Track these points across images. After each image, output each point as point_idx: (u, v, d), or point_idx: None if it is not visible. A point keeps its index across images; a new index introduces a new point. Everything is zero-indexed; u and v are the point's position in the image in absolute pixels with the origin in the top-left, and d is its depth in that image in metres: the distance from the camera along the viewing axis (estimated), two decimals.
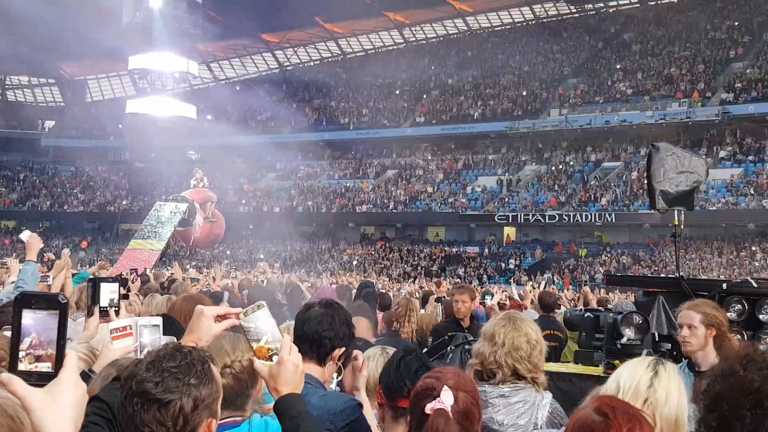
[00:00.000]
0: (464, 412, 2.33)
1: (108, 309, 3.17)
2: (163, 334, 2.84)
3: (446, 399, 2.26)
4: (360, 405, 3.01)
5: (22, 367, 1.55)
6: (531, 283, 31.98)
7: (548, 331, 7.00)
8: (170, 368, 1.84)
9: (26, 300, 1.59)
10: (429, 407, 2.24)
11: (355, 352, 3.22)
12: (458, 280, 36.14)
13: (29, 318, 1.57)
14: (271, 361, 2.23)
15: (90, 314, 3.27)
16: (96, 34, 48.38)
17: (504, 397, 3.09)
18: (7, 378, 1.51)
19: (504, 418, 3.06)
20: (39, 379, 1.54)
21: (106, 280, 3.39)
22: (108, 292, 3.22)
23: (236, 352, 2.55)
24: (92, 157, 62.36)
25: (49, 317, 1.57)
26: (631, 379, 2.62)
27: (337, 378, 3.18)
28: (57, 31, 48.67)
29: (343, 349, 3.06)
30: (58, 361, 1.56)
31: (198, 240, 35.96)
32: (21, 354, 1.56)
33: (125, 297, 3.54)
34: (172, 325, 3.70)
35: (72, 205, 59.30)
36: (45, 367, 1.56)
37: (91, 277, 4.16)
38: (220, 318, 2.41)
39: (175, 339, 2.37)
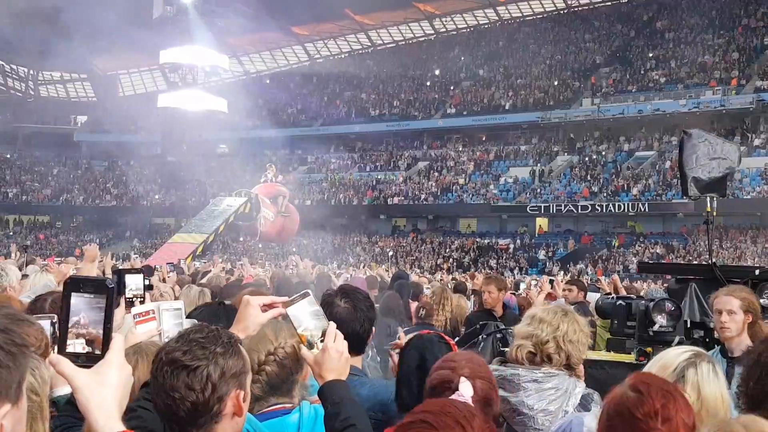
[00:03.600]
0: (484, 399, 2.38)
1: (133, 300, 3.18)
2: (225, 323, 2.89)
3: (466, 391, 2.28)
4: None
5: (70, 348, 1.61)
6: (563, 273, 31.88)
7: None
8: (197, 338, 1.92)
9: (75, 283, 1.64)
10: None
11: (399, 332, 3.25)
12: (490, 271, 36.06)
13: (77, 301, 1.63)
14: (317, 348, 2.28)
15: (116, 305, 3.31)
16: (127, 28, 48.85)
17: (537, 382, 3.05)
18: (55, 359, 1.58)
19: (534, 403, 3.03)
20: (86, 361, 1.61)
21: (130, 271, 3.40)
22: (133, 284, 3.24)
23: (279, 339, 2.59)
24: (124, 152, 62.94)
25: (96, 301, 1.63)
26: (668, 365, 2.60)
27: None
28: (89, 26, 49.18)
29: (374, 330, 3.12)
30: (105, 343, 1.63)
31: (269, 234, 36.32)
32: (69, 335, 1.62)
33: (150, 288, 3.58)
34: (232, 313, 3.75)
35: (105, 200, 59.94)
36: (92, 348, 1.63)
37: (118, 269, 4.21)
38: (267, 307, 2.46)
39: (196, 321, 2.41)
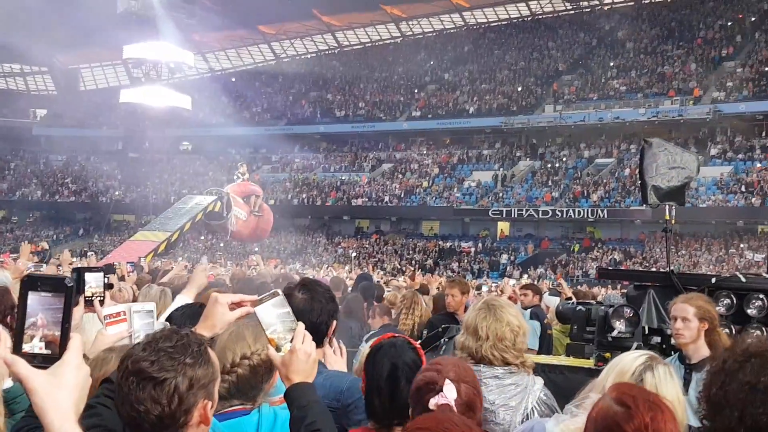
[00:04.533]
0: (467, 403, 2.38)
1: (92, 298, 3.11)
2: (188, 323, 2.87)
3: (449, 393, 2.29)
4: None
5: (26, 348, 1.57)
6: (526, 277, 32.18)
7: None
8: (166, 348, 1.86)
9: (32, 282, 1.60)
10: (433, 402, 2.26)
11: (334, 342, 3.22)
12: (451, 273, 36.25)
13: (35, 300, 1.59)
14: (284, 349, 2.24)
15: (74, 304, 3.28)
16: (90, 22, 48.11)
17: (497, 378, 3.13)
18: (11, 359, 1.54)
19: (495, 398, 3.09)
20: (42, 361, 1.56)
21: (90, 269, 3.34)
22: (93, 282, 3.17)
23: (257, 344, 2.56)
24: (85, 147, 62.01)
25: (54, 300, 1.59)
26: (625, 371, 2.65)
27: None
28: (50, 20, 48.38)
29: (335, 323, 3.08)
30: (62, 343, 1.58)
31: (242, 233, 35.99)
32: (25, 335, 1.58)
33: (110, 287, 3.53)
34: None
35: (63, 195, 58.88)
36: (49, 349, 1.58)
37: (76, 267, 4.12)
38: (235, 305, 2.41)
39: (168, 325, 2.41)
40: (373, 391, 2.70)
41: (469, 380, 2.45)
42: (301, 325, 2.27)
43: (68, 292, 1.60)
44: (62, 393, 1.53)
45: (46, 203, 58.61)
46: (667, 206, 6.28)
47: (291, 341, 2.24)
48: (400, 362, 2.73)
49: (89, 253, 27.72)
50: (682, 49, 50.69)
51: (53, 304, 1.59)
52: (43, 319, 1.58)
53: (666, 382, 2.60)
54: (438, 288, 12.24)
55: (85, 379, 1.60)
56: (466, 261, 43.34)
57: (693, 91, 45.76)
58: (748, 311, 5.22)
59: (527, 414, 3.15)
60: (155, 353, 1.85)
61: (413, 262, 42.96)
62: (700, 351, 4.18)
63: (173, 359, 1.85)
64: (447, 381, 2.33)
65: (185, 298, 4.87)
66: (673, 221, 6.25)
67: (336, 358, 3.18)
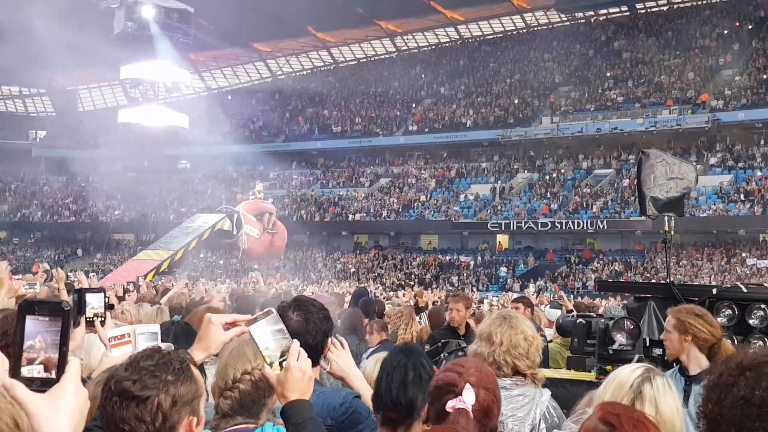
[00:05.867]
0: (485, 410, 2.35)
1: (93, 319, 3.10)
2: (182, 342, 2.86)
3: (468, 398, 2.27)
4: (358, 396, 3.03)
5: (24, 372, 1.56)
6: (534, 288, 32.21)
7: None
8: (147, 366, 1.87)
9: (29, 306, 1.59)
10: (450, 405, 2.25)
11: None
12: (451, 287, 36.19)
13: (32, 324, 1.58)
14: (279, 367, 2.25)
15: (76, 325, 3.28)
16: (88, 44, 48.33)
17: (505, 389, 3.13)
18: (9, 383, 1.52)
19: (503, 409, 3.12)
20: (41, 385, 1.55)
21: (91, 290, 3.32)
22: (93, 302, 3.15)
23: (258, 360, 2.53)
24: (84, 168, 62.17)
25: (51, 324, 1.58)
26: (623, 383, 2.63)
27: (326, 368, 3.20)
28: (48, 41, 48.56)
29: (330, 340, 3.05)
30: (60, 367, 1.57)
31: (255, 251, 35.99)
32: (23, 359, 1.57)
33: (111, 307, 3.51)
34: (191, 332, 3.74)
35: (63, 216, 59.09)
36: (47, 373, 1.57)
37: (78, 288, 4.12)
38: (229, 325, 2.43)
39: (172, 346, 2.39)
40: (382, 379, 2.68)
41: (490, 386, 2.43)
42: (296, 343, 2.28)
43: (65, 315, 1.59)
44: (60, 417, 1.52)
45: (47, 224, 58.80)
46: (666, 217, 6.25)
47: (286, 359, 2.24)
48: (414, 355, 2.73)
49: (90, 274, 27.69)
50: (679, 59, 50.84)
51: (51, 327, 1.58)
52: (41, 342, 1.57)
53: (665, 394, 2.58)
54: (436, 302, 12.20)
55: (84, 403, 1.59)
56: (465, 274, 43.29)
57: (705, 96, 45.68)
58: (750, 322, 5.19)
59: (535, 425, 3.18)
60: (137, 372, 1.86)
61: (412, 276, 42.90)
62: (695, 363, 4.13)
63: (155, 377, 1.85)
64: (467, 386, 2.31)
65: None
66: (672, 232, 6.22)
67: (339, 352, 3.13)
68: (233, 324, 2.43)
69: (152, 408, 1.82)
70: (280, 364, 2.25)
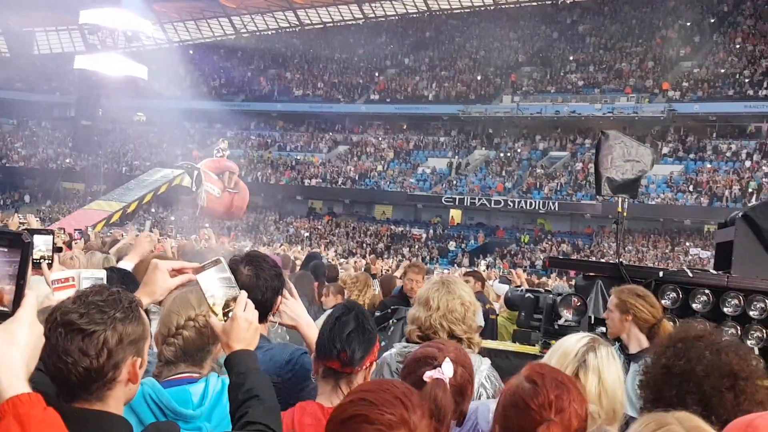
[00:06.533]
0: (460, 386, 2.40)
1: (40, 261, 3.03)
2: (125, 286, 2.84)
3: (447, 370, 2.29)
4: (305, 352, 3.02)
5: None
6: (485, 264, 32.52)
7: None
8: (96, 301, 1.86)
9: None
10: (428, 375, 2.26)
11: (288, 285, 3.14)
12: (402, 258, 36.37)
13: None
14: (225, 317, 2.21)
15: None
16: None
17: None
18: None
19: None
20: None
21: (39, 231, 3.28)
22: (41, 245, 3.10)
23: (202, 306, 2.49)
24: (36, 112, 60.66)
25: (10, 254, 1.54)
26: (568, 352, 2.67)
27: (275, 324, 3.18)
28: None
29: (280, 299, 3.03)
30: (16, 300, 1.54)
31: (215, 210, 35.37)
32: None
33: (59, 250, 3.46)
34: (133, 281, 3.69)
35: (12, 160, 57.55)
36: (1, 306, 1.54)
37: (26, 228, 4.02)
38: (176, 272, 2.40)
39: None
40: (325, 330, 2.66)
41: (467, 366, 2.48)
42: (243, 293, 2.25)
43: (25, 247, 1.55)
44: (13, 350, 1.49)
45: None
46: (619, 198, 6.36)
47: (232, 309, 2.21)
48: (357, 309, 2.72)
49: (36, 220, 27.09)
50: (641, 47, 51.36)
51: (8, 258, 1.54)
52: None
53: (608, 363, 2.62)
54: (387, 271, 12.29)
55: (38, 338, 1.56)
56: (416, 247, 43.50)
57: (662, 84, 46.25)
58: (693, 305, 5.31)
59: (473, 394, 3.17)
60: (85, 306, 1.84)
61: (364, 245, 42.99)
62: (634, 342, 4.18)
63: (103, 312, 1.84)
64: (447, 359, 2.34)
65: (128, 264, 4.79)
66: (625, 214, 6.34)
67: (289, 302, 3.10)
68: (180, 271, 2.40)
69: (98, 342, 1.80)
70: (226, 314, 2.21)
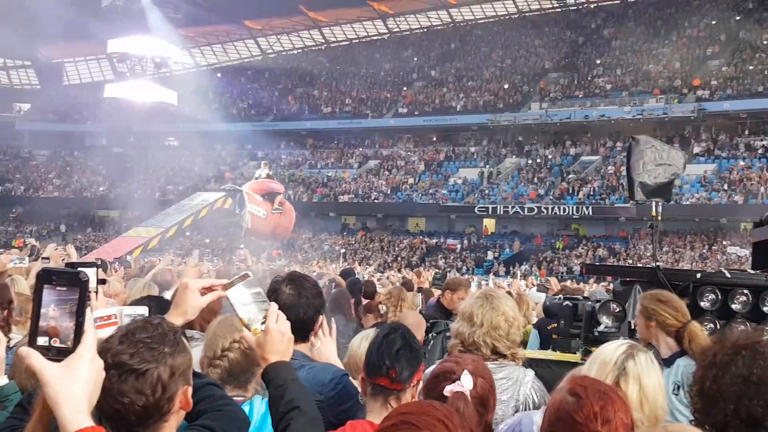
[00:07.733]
0: (482, 398, 2.42)
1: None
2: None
3: (466, 383, 2.33)
4: (346, 374, 3.05)
5: (40, 341, 1.58)
6: (520, 273, 32.35)
7: None
8: (144, 339, 1.88)
9: (47, 276, 1.61)
10: (448, 389, 2.30)
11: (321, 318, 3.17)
12: (437, 270, 36.30)
13: (50, 294, 1.60)
14: (258, 330, 2.25)
15: None
16: (75, 16, 47.78)
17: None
18: (25, 351, 1.56)
19: None
20: (57, 354, 1.57)
21: (84, 264, 3.31)
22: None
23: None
24: (68, 142, 61.61)
25: (69, 293, 1.60)
26: (607, 360, 2.69)
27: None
28: (34, 13, 47.95)
29: (321, 318, 3.08)
30: (77, 337, 1.59)
31: (262, 231, 35.36)
32: (39, 329, 1.59)
33: (102, 282, 3.50)
34: (166, 306, 3.74)
35: (47, 191, 58.45)
36: (63, 342, 1.59)
37: (70, 261, 4.06)
38: (206, 290, 2.42)
39: None
40: (373, 348, 2.68)
41: (487, 377, 2.50)
42: (274, 305, 2.29)
43: (83, 286, 1.61)
44: (76, 386, 1.54)
45: (29, 198, 58.02)
46: (653, 202, 6.33)
47: (264, 322, 2.25)
48: (403, 328, 2.74)
49: (63, 247, 27.36)
50: (667, 47, 50.95)
51: (68, 297, 1.60)
52: (56, 311, 1.59)
53: (648, 370, 2.64)
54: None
55: (99, 372, 1.62)
56: (451, 258, 43.41)
57: (693, 81, 45.79)
58: (733, 306, 5.26)
59: (518, 407, 3.20)
60: (133, 345, 1.86)
61: (399, 258, 43.00)
62: (665, 347, 4.16)
63: (152, 350, 1.86)
64: (465, 372, 2.37)
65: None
66: (660, 218, 6.30)
67: (325, 340, 3.14)
68: (209, 289, 2.42)
69: (152, 380, 1.83)
70: (258, 326, 2.25)
